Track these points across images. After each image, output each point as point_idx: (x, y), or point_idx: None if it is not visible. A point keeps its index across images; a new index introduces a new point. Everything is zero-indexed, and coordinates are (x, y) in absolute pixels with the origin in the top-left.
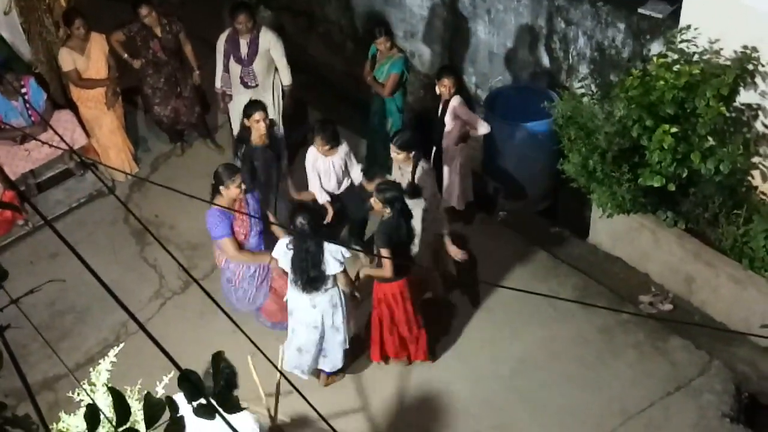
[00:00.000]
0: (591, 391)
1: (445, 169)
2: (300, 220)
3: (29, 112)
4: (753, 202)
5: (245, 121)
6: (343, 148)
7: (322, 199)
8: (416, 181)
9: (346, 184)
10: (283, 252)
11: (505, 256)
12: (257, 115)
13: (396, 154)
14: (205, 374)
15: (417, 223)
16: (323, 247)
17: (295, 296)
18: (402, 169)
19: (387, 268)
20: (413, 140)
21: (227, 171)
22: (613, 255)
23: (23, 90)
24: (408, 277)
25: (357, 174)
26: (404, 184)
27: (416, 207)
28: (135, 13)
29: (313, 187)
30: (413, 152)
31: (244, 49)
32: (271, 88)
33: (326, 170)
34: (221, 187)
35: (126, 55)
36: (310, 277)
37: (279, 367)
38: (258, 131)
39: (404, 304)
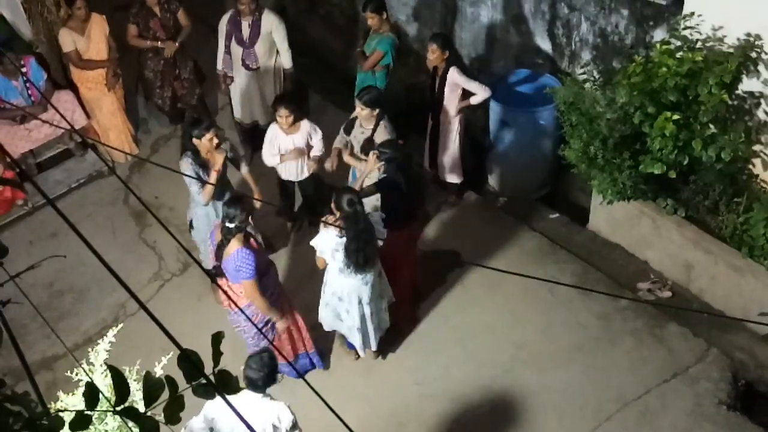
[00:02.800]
0: (588, 378)
1: (444, 143)
2: (349, 199)
3: (29, 91)
4: (753, 191)
5: (195, 142)
6: (306, 125)
7: (273, 162)
8: (374, 138)
9: (305, 173)
10: (334, 243)
11: (505, 241)
12: (209, 134)
13: (360, 110)
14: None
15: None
16: (370, 221)
17: (343, 283)
18: (363, 126)
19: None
20: (379, 98)
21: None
22: (612, 242)
23: (23, 69)
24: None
25: (319, 145)
26: (362, 140)
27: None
28: None
29: (266, 157)
30: (377, 110)
31: (245, 31)
32: (272, 70)
33: (286, 149)
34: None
35: (149, 42)
36: (366, 254)
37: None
38: (209, 149)
39: (411, 252)
